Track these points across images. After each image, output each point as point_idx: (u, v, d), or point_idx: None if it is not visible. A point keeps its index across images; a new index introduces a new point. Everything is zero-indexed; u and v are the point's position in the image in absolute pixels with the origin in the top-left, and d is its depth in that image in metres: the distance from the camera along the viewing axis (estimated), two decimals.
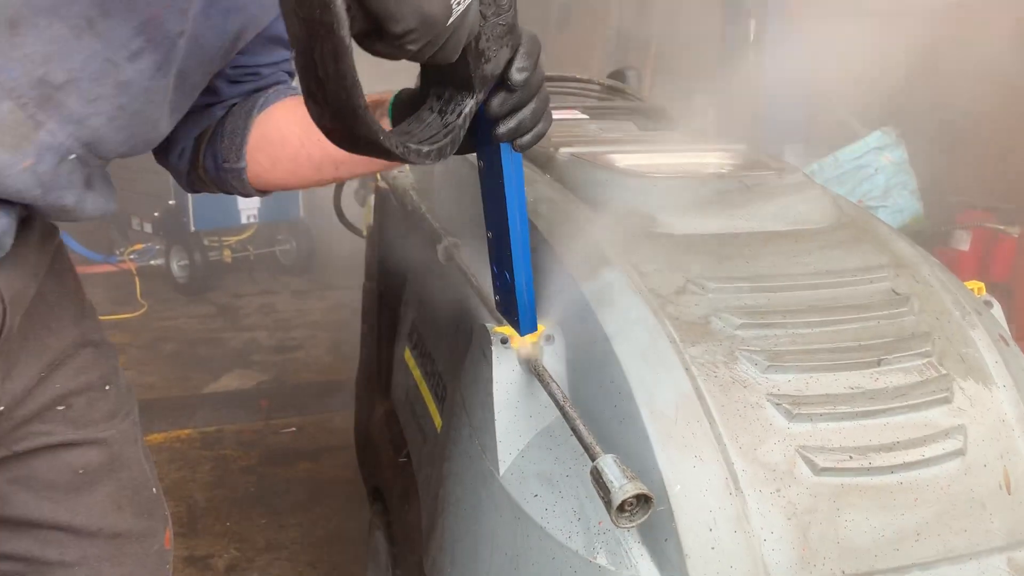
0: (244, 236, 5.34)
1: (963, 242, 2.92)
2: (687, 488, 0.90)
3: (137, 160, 1.01)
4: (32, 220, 0.88)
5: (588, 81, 1.97)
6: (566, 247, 1.17)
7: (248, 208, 5.15)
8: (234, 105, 1.02)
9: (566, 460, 0.99)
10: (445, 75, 0.81)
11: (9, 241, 0.82)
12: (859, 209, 1.34)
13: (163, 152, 1.03)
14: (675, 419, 0.93)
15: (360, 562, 2.18)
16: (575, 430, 0.91)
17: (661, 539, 0.90)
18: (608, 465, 0.82)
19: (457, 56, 0.75)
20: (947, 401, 1.00)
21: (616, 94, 1.97)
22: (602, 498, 0.82)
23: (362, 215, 2.25)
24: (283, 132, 1.01)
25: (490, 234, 1.01)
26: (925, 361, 1.03)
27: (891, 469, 0.94)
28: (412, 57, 0.70)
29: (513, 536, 1.00)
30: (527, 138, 0.88)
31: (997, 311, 1.22)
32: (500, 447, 1.04)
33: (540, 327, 1.08)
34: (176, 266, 5.13)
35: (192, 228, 5.02)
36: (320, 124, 0.70)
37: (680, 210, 1.21)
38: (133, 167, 1.91)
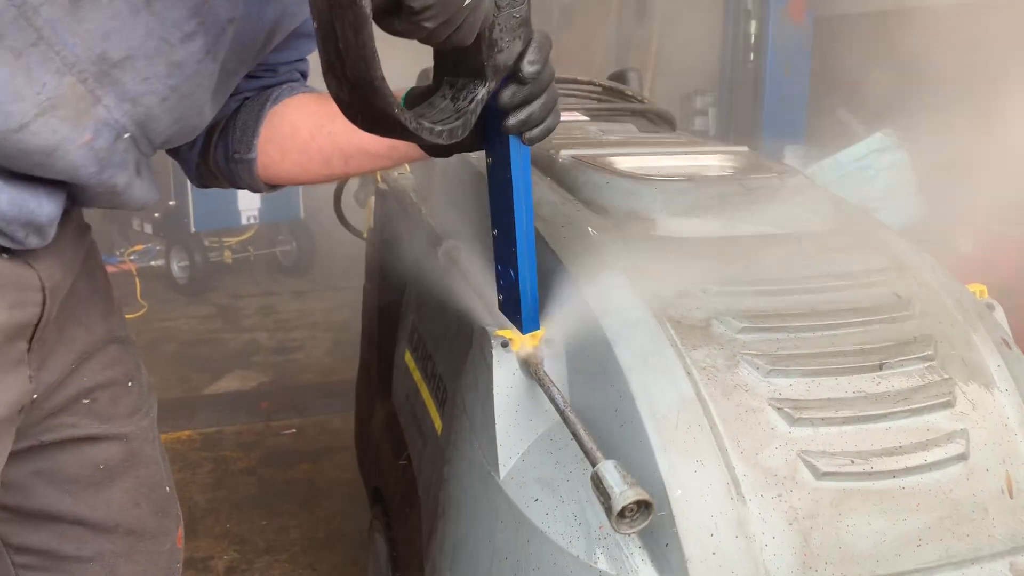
0: (244, 237, 5.34)
1: (965, 244, 2.92)
2: (688, 493, 0.89)
3: None
4: (70, 214, 0.91)
5: (589, 83, 1.96)
6: (567, 250, 1.16)
7: (248, 209, 5.15)
8: (247, 99, 1.03)
9: (567, 464, 0.98)
10: (459, 63, 0.84)
11: (53, 231, 0.85)
12: (860, 211, 1.34)
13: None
14: (676, 424, 0.93)
15: (360, 564, 2.18)
16: (575, 435, 0.90)
17: (662, 544, 0.89)
18: (608, 471, 0.82)
19: (471, 40, 0.78)
20: (949, 405, 1.00)
21: (617, 95, 1.97)
22: (602, 504, 0.81)
23: (362, 216, 2.25)
24: (294, 125, 1.03)
25: (495, 231, 1.02)
26: (927, 365, 1.02)
27: (893, 474, 0.94)
28: (428, 37, 0.73)
29: (513, 540, 1.00)
30: (536, 131, 0.90)
31: (999, 314, 1.22)
32: (500, 451, 1.04)
33: (541, 329, 1.08)
34: (176, 267, 5.14)
35: (192, 229, 5.02)
36: (338, 98, 0.72)
37: (681, 213, 1.21)
38: None
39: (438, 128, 0.80)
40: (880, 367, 1.00)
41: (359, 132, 1.00)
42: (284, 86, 1.06)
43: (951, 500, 0.95)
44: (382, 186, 1.97)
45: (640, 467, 0.91)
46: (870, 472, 0.93)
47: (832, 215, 1.27)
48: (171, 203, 4.97)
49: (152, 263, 5.21)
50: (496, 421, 1.04)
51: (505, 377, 1.05)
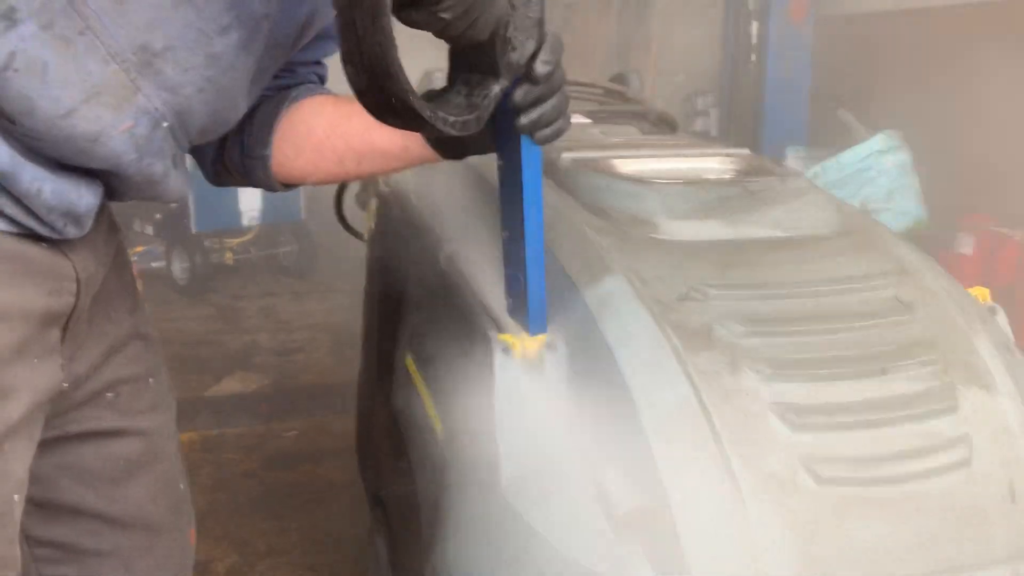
0: (245, 238, 5.34)
1: (966, 246, 2.92)
2: (689, 498, 0.89)
3: None
4: (104, 210, 0.94)
5: (590, 85, 1.96)
6: (568, 253, 1.16)
7: (249, 210, 5.14)
8: (265, 97, 1.05)
9: (568, 470, 0.98)
10: (474, 60, 0.86)
11: (90, 222, 0.88)
12: (863, 215, 1.34)
13: None
14: (677, 429, 0.93)
15: (361, 567, 2.17)
16: (576, 441, 0.90)
17: (663, 549, 0.89)
18: (610, 477, 0.82)
19: (486, 35, 0.80)
20: (952, 410, 0.99)
21: (618, 98, 1.97)
22: (604, 510, 0.81)
23: (364, 219, 2.25)
24: (309, 124, 1.05)
25: (506, 234, 1.03)
26: (929, 370, 1.02)
27: (895, 479, 0.94)
28: (444, 29, 0.75)
29: (515, 546, 0.99)
30: (547, 131, 0.93)
31: (1002, 318, 1.22)
32: (502, 456, 1.03)
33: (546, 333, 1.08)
34: (177, 268, 5.13)
35: (193, 230, 5.01)
36: (355, 86, 0.74)
37: (682, 216, 1.21)
38: None
39: (452, 119, 0.81)
40: (882, 372, 1.00)
41: (373, 133, 1.03)
42: (302, 87, 1.08)
43: (953, 506, 0.94)
44: (383, 188, 1.97)
45: (641, 473, 0.91)
46: (872, 478, 0.93)
47: (834, 218, 1.26)
48: (172, 204, 4.97)
49: (153, 264, 5.21)
50: (497, 427, 1.04)
51: (506, 382, 1.05)
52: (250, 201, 5.09)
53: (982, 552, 0.94)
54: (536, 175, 0.98)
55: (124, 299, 1.05)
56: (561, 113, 0.93)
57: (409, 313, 1.67)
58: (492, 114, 0.88)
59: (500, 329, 1.12)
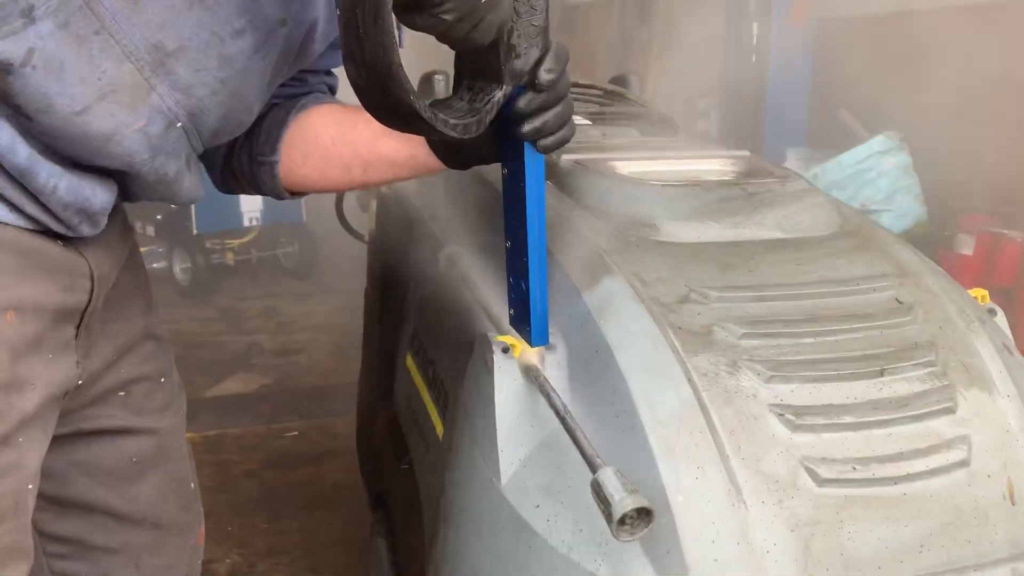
0: (246, 239, 5.34)
1: (967, 246, 2.92)
2: (689, 499, 0.89)
3: None
4: (118, 211, 0.96)
5: (590, 86, 1.96)
6: (568, 255, 1.16)
7: (250, 211, 5.15)
8: (275, 105, 1.07)
9: (568, 471, 0.98)
10: (477, 66, 0.87)
11: (104, 221, 0.90)
12: (862, 216, 1.34)
13: None
14: (677, 430, 0.93)
15: (362, 568, 2.17)
16: (576, 441, 0.90)
17: (663, 551, 0.89)
18: (608, 478, 0.82)
19: (489, 40, 0.81)
20: (951, 411, 1.00)
21: (618, 99, 1.97)
22: (603, 511, 0.81)
23: (364, 220, 2.25)
24: (317, 131, 1.07)
25: (508, 244, 1.03)
26: (929, 371, 1.02)
27: (894, 480, 0.94)
28: (447, 32, 0.76)
29: (515, 546, 1.00)
30: (550, 140, 0.94)
31: (1001, 319, 1.22)
32: (502, 457, 1.04)
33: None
34: (178, 269, 5.14)
35: (195, 231, 5.02)
36: (356, 85, 0.75)
37: (682, 218, 1.21)
38: None
39: (452, 121, 0.82)
40: (881, 373, 1.00)
41: (379, 141, 1.04)
42: (311, 95, 1.10)
43: (953, 506, 0.95)
44: (384, 190, 1.97)
45: (641, 473, 0.91)
46: (872, 479, 0.93)
47: (834, 220, 1.27)
48: (173, 205, 4.98)
49: (154, 265, 5.21)
50: (497, 427, 1.04)
51: (506, 383, 1.05)
52: (251, 202, 5.10)
53: (982, 553, 0.94)
54: (539, 184, 0.98)
55: (138, 299, 1.07)
56: (565, 122, 0.94)
57: (410, 314, 1.68)
58: (496, 123, 0.88)
59: (500, 330, 1.12)
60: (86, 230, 0.88)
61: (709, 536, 0.88)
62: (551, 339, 1.08)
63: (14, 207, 0.83)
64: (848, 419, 0.96)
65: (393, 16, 0.70)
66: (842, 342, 1.03)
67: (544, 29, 0.87)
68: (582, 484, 0.96)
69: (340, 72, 1.08)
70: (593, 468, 0.85)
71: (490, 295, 1.23)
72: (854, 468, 0.93)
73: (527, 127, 0.91)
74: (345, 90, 1.02)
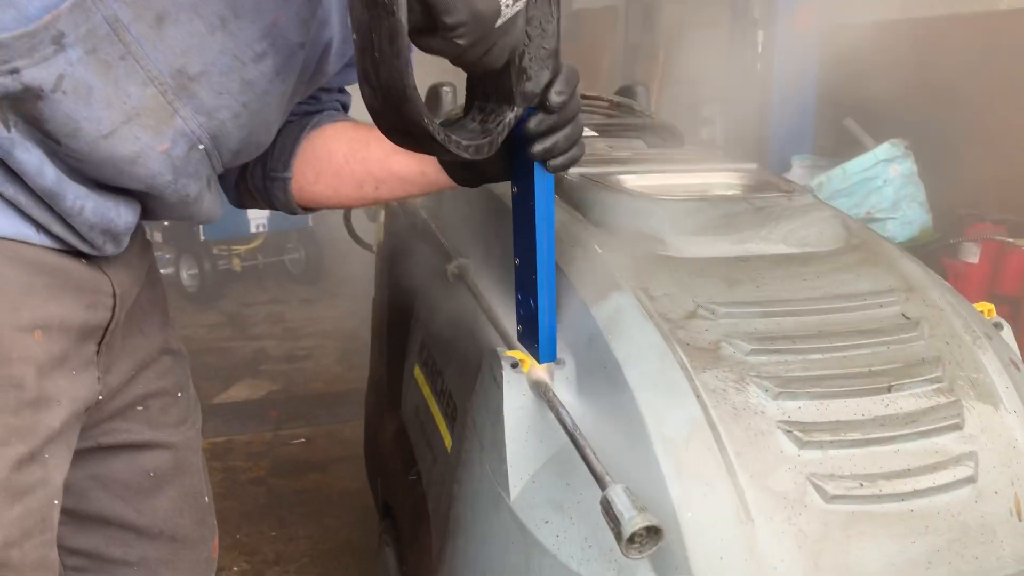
0: (253, 245, 5.36)
1: (972, 255, 2.91)
2: (697, 517, 0.90)
3: None
4: (138, 229, 0.98)
5: (596, 98, 1.97)
6: (576, 270, 1.17)
7: (257, 217, 5.17)
8: (289, 122, 1.08)
9: (577, 486, 0.99)
10: (489, 88, 0.89)
11: (127, 240, 0.93)
12: (868, 230, 1.35)
13: None
14: (686, 447, 0.94)
15: None
16: (584, 458, 0.91)
17: (672, 567, 0.90)
18: (618, 495, 0.83)
19: (502, 63, 0.82)
20: (958, 427, 1.00)
21: (625, 111, 1.98)
22: (612, 529, 0.82)
23: (373, 230, 2.26)
24: (330, 148, 1.09)
25: (517, 261, 1.04)
26: (935, 387, 1.03)
27: (902, 496, 0.94)
28: (460, 56, 0.77)
29: (525, 562, 1.00)
30: (560, 160, 0.96)
31: (1007, 333, 1.22)
32: (511, 472, 1.04)
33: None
34: (186, 275, 5.15)
35: (202, 237, 5.04)
36: (371, 107, 0.77)
37: (689, 233, 1.22)
38: None
39: (464, 143, 0.83)
40: (888, 389, 1.01)
41: (392, 159, 1.05)
42: (324, 113, 1.11)
43: (960, 523, 0.95)
44: (393, 202, 1.98)
45: (649, 490, 0.91)
46: (879, 495, 0.94)
47: (840, 234, 1.27)
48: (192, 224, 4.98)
49: (161, 271, 5.21)
50: (506, 442, 1.05)
51: (515, 398, 1.06)
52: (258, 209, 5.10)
53: (989, 569, 0.95)
54: (548, 203, 0.99)
55: (156, 314, 1.09)
56: (574, 142, 0.95)
57: (418, 325, 1.68)
58: (507, 142, 0.90)
59: (509, 344, 1.13)
60: (110, 249, 0.90)
61: (717, 553, 0.89)
62: (559, 354, 1.08)
63: (41, 227, 0.85)
64: (855, 435, 0.96)
65: (408, 40, 0.71)
66: (849, 358, 1.04)
67: (555, 52, 0.89)
68: (591, 500, 0.96)
69: (352, 90, 1.10)
70: (602, 485, 0.85)
71: (499, 308, 1.23)
72: (861, 485, 0.94)
73: (538, 147, 0.93)
74: (357, 108, 1.03)
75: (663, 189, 1.34)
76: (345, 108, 1.16)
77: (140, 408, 1.05)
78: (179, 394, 1.11)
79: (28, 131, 0.80)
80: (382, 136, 0.82)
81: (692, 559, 0.89)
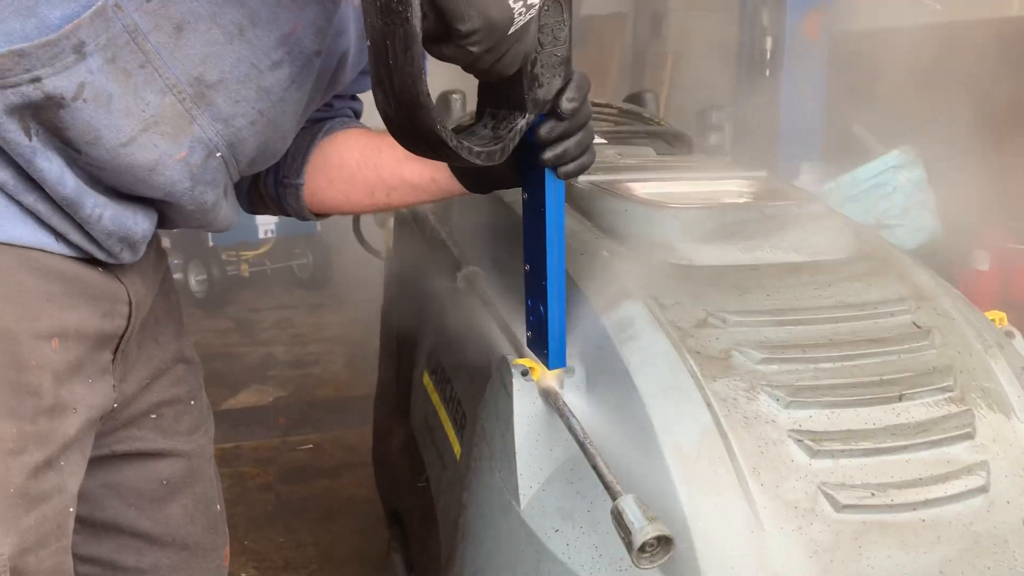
0: (261, 251, 5.37)
1: (983, 262, 2.90)
2: (708, 526, 0.90)
3: None
4: (153, 238, 0.99)
5: (605, 105, 1.97)
6: (585, 278, 1.17)
7: (266, 223, 5.18)
8: (302, 129, 1.09)
9: (587, 495, 0.99)
10: (501, 95, 0.90)
11: (143, 248, 0.94)
12: (879, 238, 1.34)
13: None
14: (696, 456, 0.93)
15: None
16: (595, 467, 0.91)
17: None
18: (628, 505, 0.82)
19: (514, 70, 0.83)
20: (969, 437, 1.00)
21: (634, 118, 1.98)
22: (623, 539, 0.82)
23: (382, 237, 2.27)
24: (342, 155, 1.10)
25: (527, 267, 1.04)
26: (947, 396, 1.03)
27: (913, 506, 0.94)
28: (473, 63, 0.78)
29: (534, 571, 1.00)
30: (571, 166, 0.96)
31: (1019, 342, 1.22)
32: (521, 480, 1.04)
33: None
34: (194, 280, 5.17)
35: (210, 243, 5.05)
36: (384, 114, 0.77)
37: (700, 241, 1.22)
38: None
39: (477, 149, 0.84)
40: (900, 398, 1.00)
41: (403, 165, 1.06)
42: (337, 120, 1.12)
43: (972, 533, 0.95)
44: (403, 209, 1.99)
45: (660, 499, 0.91)
46: (890, 504, 0.93)
47: (851, 242, 1.27)
48: (208, 232, 4.99)
49: None
50: (516, 451, 1.05)
51: (525, 406, 1.06)
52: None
53: None
54: (559, 210, 1.00)
55: (170, 323, 1.10)
56: (586, 149, 0.96)
57: (427, 332, 1.69)
58: (518, 149, 0.90)
59: (518, 352, 1.13)
60: (127, 257, 0.91)
61: (728, 562, 0.89)
62: (569, 362, 1.08)
63: (60, 236, 0.85)
64: (867, 445, 0.96)
65: (422, 47, 0.72)
66: (860, 367, 1.03)
67: (567, 59, 0.90)
68: (601, 509, 0.96)
69: (364, 97, 1.10)
70: (613, 495, 0.85)
71: (508, 316, 1.24)
72: (873, 494, 0.93)
73: (549, 154, 0.93)
74: (368, 115, 1.04)
75: (673, 197, 1.34)
76: (357, 115, 1.17)
77: (154, 416, 1.05)
78: (192, 402, 1.12)
79: (49, 140, 0.81)
80: (394, 143, 0.82)
81: (703, 569, 0.88)
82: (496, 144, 0.86)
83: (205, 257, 5.08)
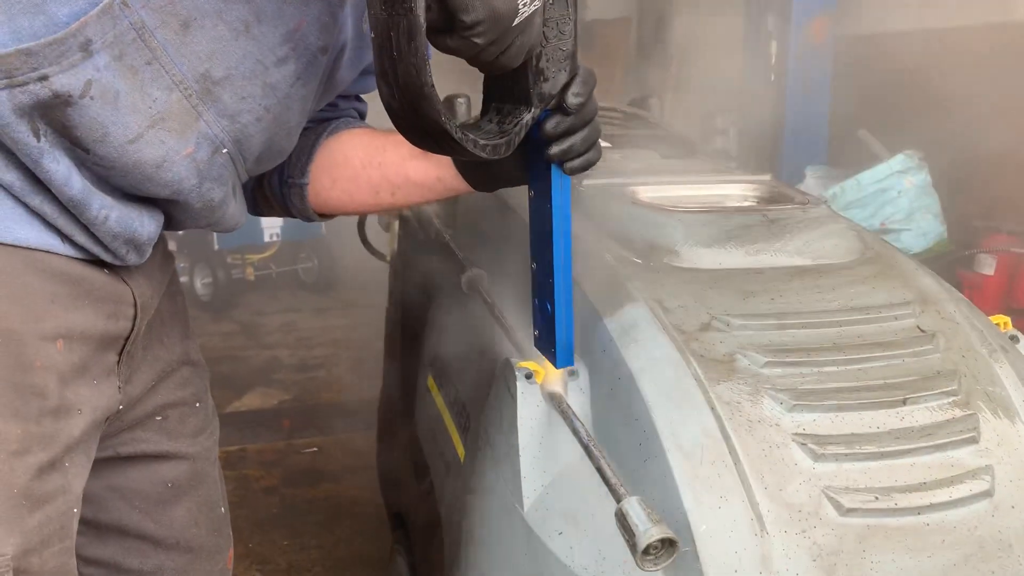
0: (267, 254, 5.38)
1: (988, 267, 2.90)
2: (712, 529, 0.90)
3: None
4: (160, 240, 0.99)
5: (610, 108, 1.97)
6: (590, 281, 1.17)
7: (271, 227, 5.19)
8: (306, 129, 1.09)
9: (591, 498, 0.99)
10: (506, 90, 0.89)
11: (149, 250, 0.94)
12: (883, 242, 1.34)
13: None
14: (700, 459, 0.94)
15: None
16: (599, 470, 0.91)
17: None
18: (633, 507, 0.82)
19: (518, 63, 0.82)
20: (974, 441, 1.00)
21: (638, 121, 1.98)
22: (627, 541, 0.82)
23: (386, 241, 2.27)
24: (347, 155, 1.09)
25: (534, 265, 1.04)
26: (951, 400, 1.02)
27: (917, 510, 0.94)
28: (478, 56, 0.77)
29: (538, 573, 1.00)
30: (577, 162, 0.96)
31: None
32: (524, 483, 1.05)
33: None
34: (199, 284, 5.18)
35: (216, 246, 5.06)
36: (388, 106, 0.77)
37: (704, 244, 1.22)
38: None
39: (482, 142, 0.83)
40: (904, 402, 1.00)
41: (408, 164, 1.06)
42: (341, 120, 1.12)
43: (976, 537, 0.95)
44: (406, 212, 1.99)
45: (664, 502, 0.92)
46: (894, 508, 0.93)
47: (855, 246, 1.27)
48: (216, 232, 5.00)
49: None
50: (520, 454, 1.05)
51: (529, 410, 1.06)
52: (272, 218, 5.13)
53: None
54: (565, 206, 0.99)
55: (176, 325, 1.10)
56: (591, 144, 0.95)
57: (431, 335, 1.69)
58: (523, 145, 0.90)
59: (522, 356, 1.13)
60: (132, 259, 0.91)
61: (732, 565, 0.89)
62: (574, 366, 1.08)
63: (65, 237, 0.86)
64: (871, 448, 0.96)
65: (426, 38, 0.72)
66: (864, 371, 1.03)
67: (572, 54, 0.89)
68: (605, 511, 0.96)
69: (369, 99, 1.10)
70: (617, 497, 0.85)
71: (512, 319, 1.24)
72: (876, 498, 0.93)
73: (555, 149, 0.93)
74: (373, 116, 1.04)
75: (677, 200, 1.34)
76: (362, 116, 1.17)
77: (159, 418, 1.06)
78: (197, 404, 1.12)
79: (57, 140, 0.81)
80: (398, 142, 0.82)
81: (707, 571, 0.88)
82: (502, 138, 0.86)
83: (210, 260, 5.09)
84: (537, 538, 1.01)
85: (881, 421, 0.99)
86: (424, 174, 1.07)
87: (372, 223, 2.41)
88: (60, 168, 0.81)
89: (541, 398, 1.07)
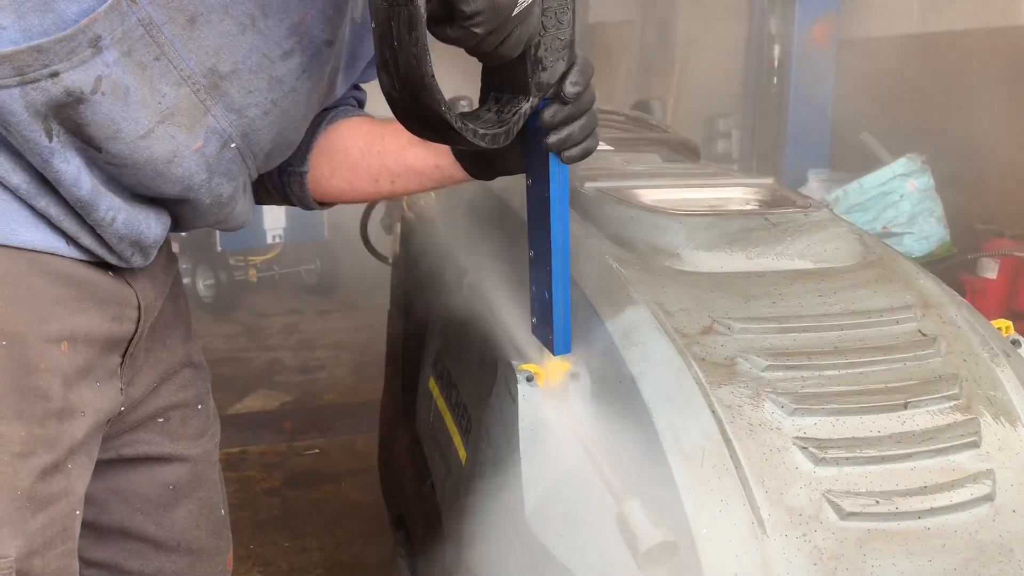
0: (269, 256, 5.38)
1: (990, 270, 2.90)
2: (713, 532, 0.90)
3: None
4: (164, 243, 1.00)
5: (613, 112, 1.98)
6: (591, 284, 1.17)
7: (274, 228, 5.19)
8: None
9: (592, 501, 0.99)
10: (505, 79, 0.90)
11: (154, 252, 0.94)
12: (885, 246, 1.34)
13: None
14: (701, 462, 0.94)
15: None
16: (600, 472, 0.91)
17: None
18: (634, 511, 0.83)
19: (517, 53, 0.83)
20: (975, 445, 1.00)
21: (640, 125, 1.98)
22: (628, 544, 0.82)
23: (388, 242, 2.28)
24: (346, 143, 1.10)
25: (531, 252, 1.04)
26: (952, 404, 1.02)
27: (918, 514, 0.94)
28: (477, 45, 0.78)
29: (537, 574, 1.00)
30: (575, 150, 0.96)
31: None
32: (525, 485, 1.05)
33: (566, 364, 1.09)
34: (202, 285, 5.18)
35: (218, 248, 5.07)
36: (389, 96, 0.78)
37: (705, 248, 1.22)
38: None
39: (481, 131, 0.84)
40: (905, 406, 1.00)
41: (407, 152, 1.06)
42: (340, 109, 1.12)
43: (977, 542, 0.94)
44: (408, 214, 1.99)
45: (665, 505, 0.92)
46: (895, 512, 0.93)
47: (856, 250, 1.27)
48: (223, 231, 5.00)
49: None
50: (521, 456, 1.05)
51: (530, 412, 1.06)
52: (274, 219, 5.14)
53: None
54: (563, 195, 0.99)
55: (179, 328, 1.10)
56: (589, 133, 0.96)
57: (433, 337, 1.69)
58: (522, 134, 0.91)
59: (524, 358, 1.13)
60: (137, 261, 0.92)
61: (732, 569, 0.89)
62: (575, 368, 1.09)
63: (71, 239, 0.86)
64: (871, 452, 0.96)
65: (426, 28, 0.73)
66: (865, 375, 1.03)
67: (570, 43, 0.90)
68: (605, 514, 0.96)
69: (369, 88, 1.10)
70: (618, 500, 0.86)
71: (514, 323, 1.24)
72: (877, 502, 0.93)
73: (553, 138, 0.94)
74: (373, 104, 1.04)
75: (679, 204, 1.34)
76: (361, 104, 1.17)
77: (161, 420, 1.06)
78: (199, 406, 1.12)
79: (69, 140, 0.81)
80: (398, 130, 0.83)
81: (707, 574, 0.88)
82: (500, 127, 0.87)
83: (213, 262, 5.10)
84: (538, 541, 1.01)
85: (882, 425, 0.99)
86: (423, 162, 1.07)
87: (374, 225, 2.41)
88: (70, 168, 0.82)
89: (542, 401, 1.07)
